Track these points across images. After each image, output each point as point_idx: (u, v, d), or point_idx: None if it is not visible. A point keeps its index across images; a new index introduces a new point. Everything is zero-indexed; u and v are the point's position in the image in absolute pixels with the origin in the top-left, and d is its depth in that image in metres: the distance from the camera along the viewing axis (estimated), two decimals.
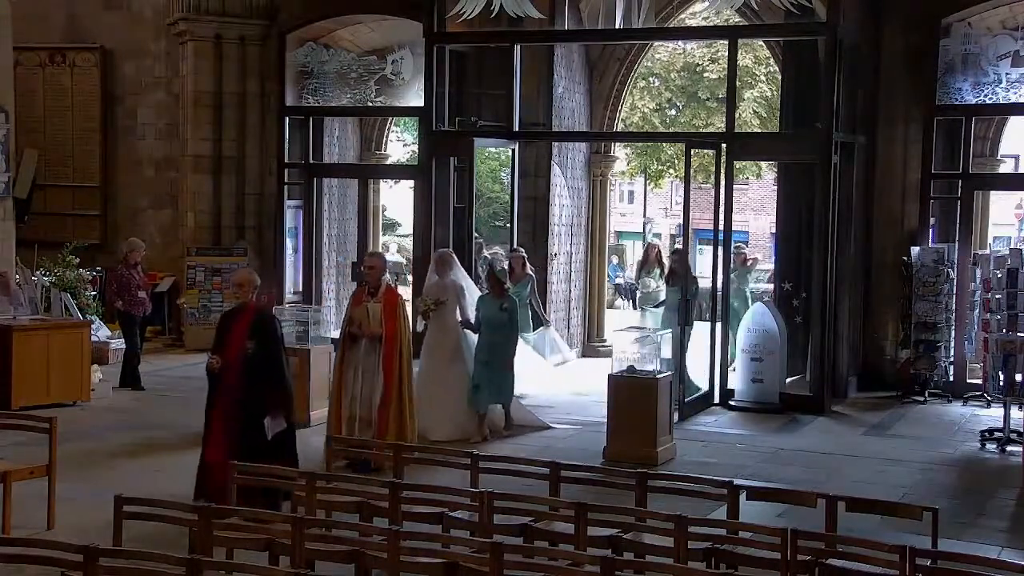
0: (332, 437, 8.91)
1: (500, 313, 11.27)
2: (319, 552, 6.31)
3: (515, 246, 14.64)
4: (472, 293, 11.72)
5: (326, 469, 8.01)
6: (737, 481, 7.23)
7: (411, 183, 19.94)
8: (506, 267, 11.92)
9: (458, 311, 11.40)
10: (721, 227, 13.39)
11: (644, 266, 16.36)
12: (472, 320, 11.41)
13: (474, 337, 11.46)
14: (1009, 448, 11.25)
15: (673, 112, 31.14)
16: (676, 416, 11.85)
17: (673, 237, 39.73)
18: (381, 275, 9.91)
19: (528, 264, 14.27)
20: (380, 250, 11.88)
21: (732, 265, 14.26)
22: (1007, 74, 13.84)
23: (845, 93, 13.28)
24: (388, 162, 20.59)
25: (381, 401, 9.69)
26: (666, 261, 15.63)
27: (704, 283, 15.08)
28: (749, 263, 16.64)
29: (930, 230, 14.30)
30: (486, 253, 15.01)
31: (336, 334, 13.29)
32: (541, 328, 14.28)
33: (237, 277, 8.60)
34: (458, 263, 11.94)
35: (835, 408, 13.16)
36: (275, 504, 7.60)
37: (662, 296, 15.20)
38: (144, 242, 14.50)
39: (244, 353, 8.11)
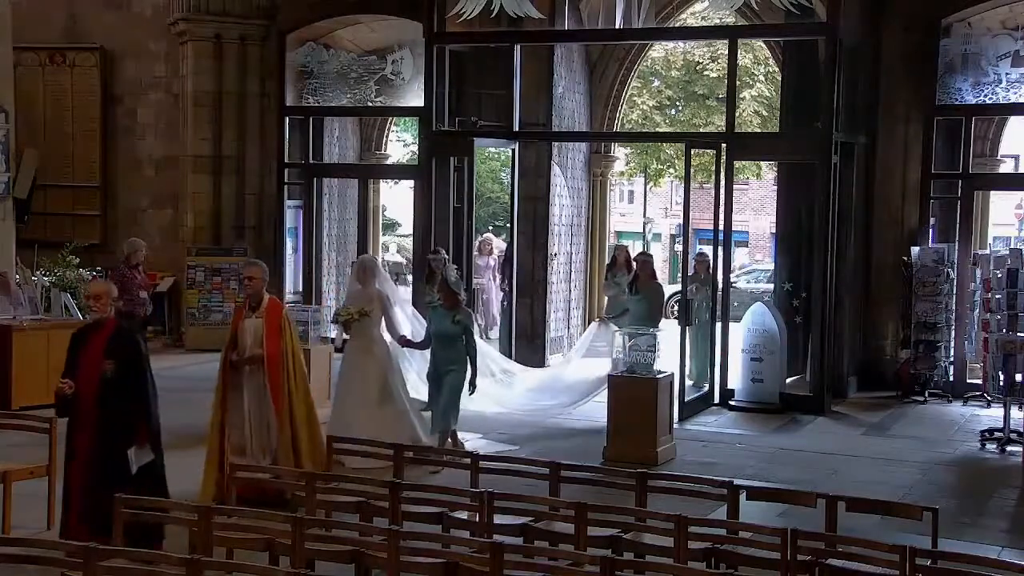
0: (233, 465, 7.97)
1: (453, 327, 10.29)
2: (319, 552, 6.31)
3: (435, 247, 14.25)
4: (398, 304, 10.86)
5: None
6: (737, 481, 7.23)
7: (411, 183, 19.96)
8: (453, 276, 10.68)
9: (384, 324, 10.41)
10: (721, 227, 13.39)
11: (612, 270, 14.74)
12: (409, 335, 10.62)
13: (403, 352, 10.66)
14: (1009, 448, 11.26)
15: (673, 111, 31.13)
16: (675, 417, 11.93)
17: (673, 237, 39.76)
18: (262, 287, 8.82)
19: (449, 264, 13.70)
20: (259, 260, 10.57)
21: (693, 273, 13.98)
22: (1007, 74, 13.84)
23: (845, 93, 13.28)
24: (388, 162, 20.60)
25: (280, 428, 8.63)
26: (634, 264, 14.23)
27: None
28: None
29: (930, 230, 14.30)
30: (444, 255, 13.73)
31: (333, 333, 13.34)
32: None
33: (94, 288, 7.49)
34: (382, 271, 11.00)
35: (835, 408, 13.16)
36: (153, 543, 6.80)
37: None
38: (144, 242, 14.49)
39: (101, 375, 7.07)
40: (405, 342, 10.58)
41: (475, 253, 17.22)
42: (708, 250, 14.04)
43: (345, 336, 10.48)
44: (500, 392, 12.14)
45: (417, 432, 10.13)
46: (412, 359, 11.19)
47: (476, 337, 11.30)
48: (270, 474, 8.13)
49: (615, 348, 11.31)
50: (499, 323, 16.09)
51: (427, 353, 10.74)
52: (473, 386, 10.41)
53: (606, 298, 14.77)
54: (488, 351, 12.47)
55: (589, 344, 13.75)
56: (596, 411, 12.01)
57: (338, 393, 10.37)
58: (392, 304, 10.49)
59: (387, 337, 10.44)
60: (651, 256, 13.93)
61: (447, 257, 13.71)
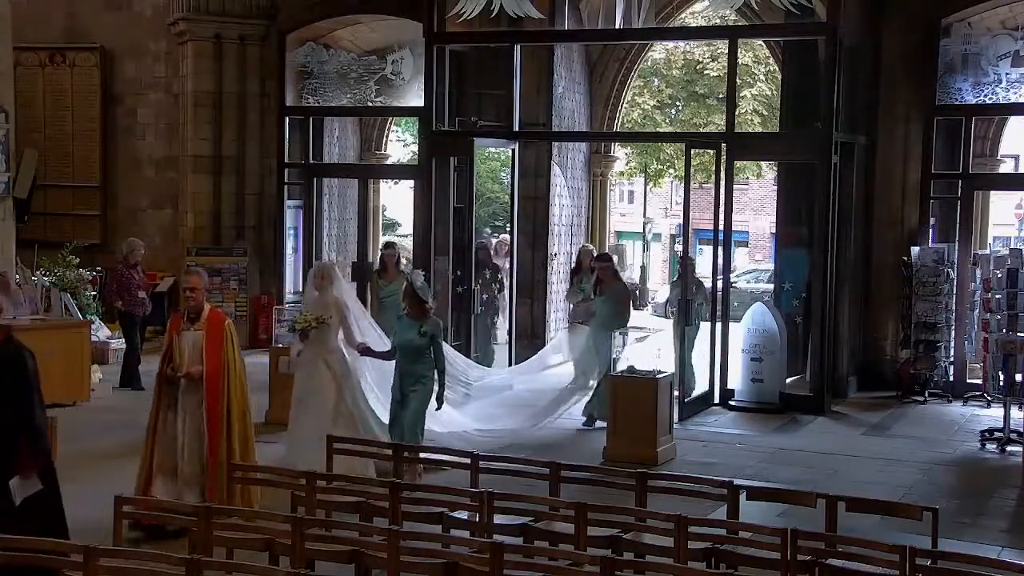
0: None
1: (419, 338, 9.37)
2: (319, 552, 6.31)
3: (387, 241, 14.21)
4: (357, 313, 10.10)
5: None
6: (737, 481, 7.23)
7: (411, 183, 19.95)
8: (419, 282, 9.78)
9: (341, 333, 9.70)
10: (721, 227, 13.39)
11: (577, 275, 13.69)
12: (369, 344, 9.83)
13: (362, 363, 9.95)
14: (1009, 448, 11.26)
15: (673, 111, 31.15)
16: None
17: (673, 237, 39.74)
18: (203, 296, 8.22)
19: (402, 262, 13.45)
20: (200, 269, 9.66)
21: (679, 277, 13.75)
22: (1007, 74, 13.84)
23: (845, 93, 13.28)
24: (388, 162, 20.60)
25: (209, 452, 7.93)
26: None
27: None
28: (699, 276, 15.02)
29: (930, 230, 14.30)
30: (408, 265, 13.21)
31: (292, 345, 12.96)
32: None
33: None
34: (340, 277, 10.25)
35: (835, 408, 13.16)
36: None
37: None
38: (144, 242, 14.50)
39: None
40: (366, 351, 9.74)
41: (492, 253, 17.22)
42: (708, 249, 13.92)
43: (301, 346, 9.70)
44: (452, 412, 10.86)
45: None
46: (369, 369, 10.25)
47: (445, 348, 11.00)
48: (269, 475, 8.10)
49: (614, 349, 11.31)
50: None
51: (385, 364, 9.91)
52: (440, 401, 9.62)
53: (571, 305, 13.75)
54: (453, 359, 11.68)
55: (560, 348, 13.04)
56: None
57: (293, 407, 9.64)
58: (351, 312, 9.81)
59: (344, 347, 9.72)
60: (611, 256, 13.19)
61: (399, 252, 13.40)
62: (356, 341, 9.73)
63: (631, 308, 13.00)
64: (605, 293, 12.40)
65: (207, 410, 7.92)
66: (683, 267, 13.78)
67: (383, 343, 9.90)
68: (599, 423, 11.84)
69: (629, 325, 12.72)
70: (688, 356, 13.17)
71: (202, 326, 8.06)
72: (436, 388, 9.57)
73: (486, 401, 12.04)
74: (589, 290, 12.84)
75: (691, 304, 13.19)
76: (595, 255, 13.59)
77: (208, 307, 8.25)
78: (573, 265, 14.10)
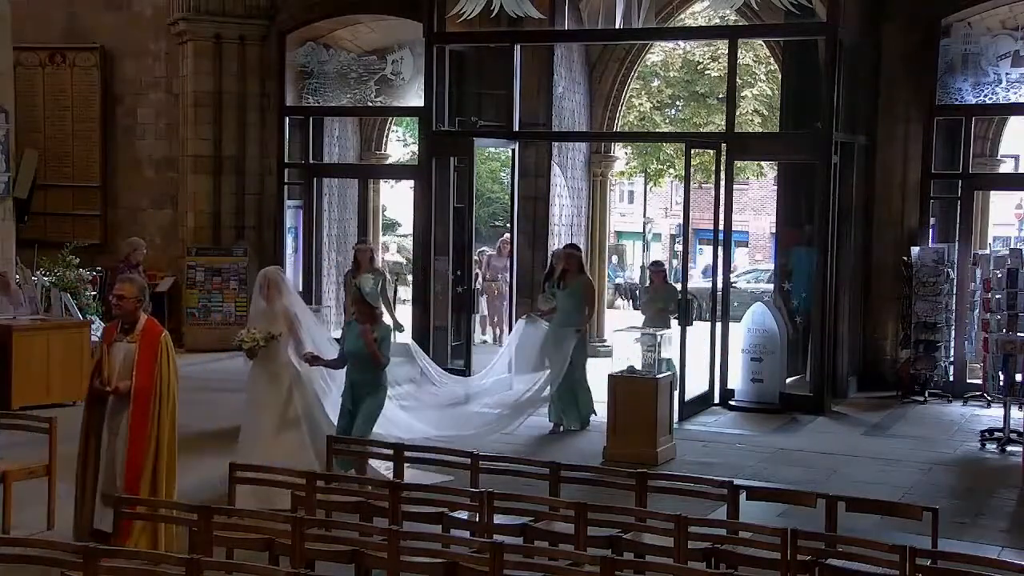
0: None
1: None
2: (319, 552, 6.31)
3: (362, 237, 13.90)
4: (309, 323, 9.47)
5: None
6: (737, 481, 7.23)
7: (411, 183, 19.94)
8: (367, 287, 9.24)
9: (292, 347, 9.08)
10: (721, 227, 13.39)
11: (549, 279, 12.76)
12: (320, 353, 9.24)
13: (314, 376, 9.36)
14: (1009, 448, 11.26)
15: (673, 111, 31.15)
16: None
17: (673, 237, 39.75)
18: (137, 305, 7.46)
19: (376, 259, 13.12)
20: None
21: (649, 284, 13.51)
22: (1007, 74, 13.84)
23: (845, 93, 13.28)
24: (388, 162, 20.59)
25: (126, 480, 7.18)
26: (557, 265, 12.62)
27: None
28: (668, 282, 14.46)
29: (930, 230, 14.30)
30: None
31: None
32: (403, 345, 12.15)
33: None
34: (289, 285, 9.58)
35: (835, 408, 13.16)
36: None
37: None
38: (144, 241, 14.50)
39: None
40: (314, 360, 9.10)
41: (492, 253, 17.24)
42: (708, 249, 13.84)
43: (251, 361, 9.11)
44: (401, 418, 10.44)
45: (315, 463, 8.65)
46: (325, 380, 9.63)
47: (423, 357, 11.00)
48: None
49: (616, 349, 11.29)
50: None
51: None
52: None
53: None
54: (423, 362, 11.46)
55: (516, 344, 12.34)
56: (596, 411, 12.00)
57: (242, 428, 9.20)
58: (301, 323, 9.17)
59: (295, 359, 9.12)
60: (578, 248, 12.60)
61: (373, 248, 13.09)
62: (304, 350, 9.09)
63: (595, 304, 12.70)
64: (570, 286, 11.93)
65: (131, 429, 7.20)
66: (650, 276, 13.70)
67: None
68: (579, 427, 11.75)
69: (637, 326, 12.67)
70: (581, 378, 12.11)
71: (136, 338, 7.36)
72: (382, 397, 9.09)
73: (449, 407, 11.57)
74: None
75: (685, 305, 13.10)
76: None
77: (144, 318, 7.51)
78: (547, 269, 13.38)
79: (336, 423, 9.07)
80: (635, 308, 13.89)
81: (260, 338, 8.84)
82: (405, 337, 13.30)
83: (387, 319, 12.49)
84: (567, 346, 11.68)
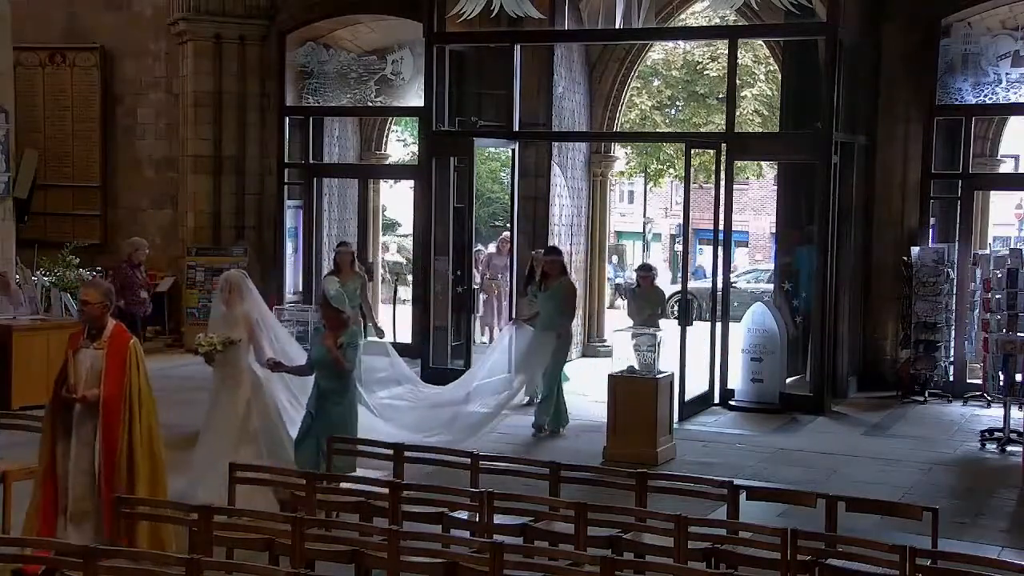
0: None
1: (336, 351, 8.52)
2: (319, 552, 6.31)
3: (344, 239, 13.68)
4: (272, 328, 9.15)
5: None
6: (737, 481, 7.23)
7: (411, 183, 19.94)
8: (332, 291, 8.89)
9: (252, 353, 8.74)
10: (721, 227, 13.39)
11: (531, 283, 12.61)
12: (287, 359, 8.94)
13: (276, 383, 9.04)
14: (1009, 448, 11.26)
15: (673, 111, 31.15)
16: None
17: (673, 237, 39.76)
18: (104, 310, 7.14)
19: (358, 262, 12.85)
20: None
21: (637, 287, 13.33)
22: (1007, 74, 13.84)
23: (845, 93, 13.28)
24: (388, 162, 20.60)
25: (101, 492, 6.93)
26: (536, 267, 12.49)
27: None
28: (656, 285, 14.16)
29: (930, 230, 14.30)
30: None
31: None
32: (373, 337, 12.14)
33: None
34: (252, 289, 9.06)
35: (835, 408, 13.17)
36: None
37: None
38: (146, 241, 14.51)
39: None
40: (276, 366, 8.75)
41: (492, 252, 17.21)
42: (708, 249, 13.81)
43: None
44: (378, 426, 10.14)
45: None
46: (283, 389, 9.28)
47: (398, 361, 10.88)
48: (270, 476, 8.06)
49: (616, 349, 11.28)
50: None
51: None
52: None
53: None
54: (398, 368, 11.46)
55: (504, 347, 12.30)
56: (596, 411, 12.01)
57: (200, 437, 8.92)
58: (263, 328, 8.86)
59: (256, 366, 8.82)
60: (560, 252, 12.47)
61: (355, 251, 12.76)
62: (265, 356, 8.74)
63: (576, 307, 12.46)
64: (551, 288, 11.87)
65: (101, 440, 6.92)
66: (637, 280, 13.51)
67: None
68: (566, 432, 11.60)
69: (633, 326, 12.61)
70: (555, 380, 11.91)
71: (103, 345, 7.06)
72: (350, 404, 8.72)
73: (421, 411, 11.52)
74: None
75: (655, 313, 13.00)
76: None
77: (112, 323, 7.19)
78: (527, 271, 13.07)
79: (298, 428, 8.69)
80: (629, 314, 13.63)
81: (217, 343, 8.55)
82: (413, 339, 13.27)
83: (371, 323, 12.44)
84: (545, 349, 11.55)
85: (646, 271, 13.88)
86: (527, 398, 12.35)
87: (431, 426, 10.95)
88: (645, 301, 13.15)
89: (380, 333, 12.43)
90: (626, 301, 14.20)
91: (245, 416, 8.64)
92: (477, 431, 11.09)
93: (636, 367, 10.99)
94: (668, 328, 12.98)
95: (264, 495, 7.92)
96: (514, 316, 12.79)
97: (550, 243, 15.77)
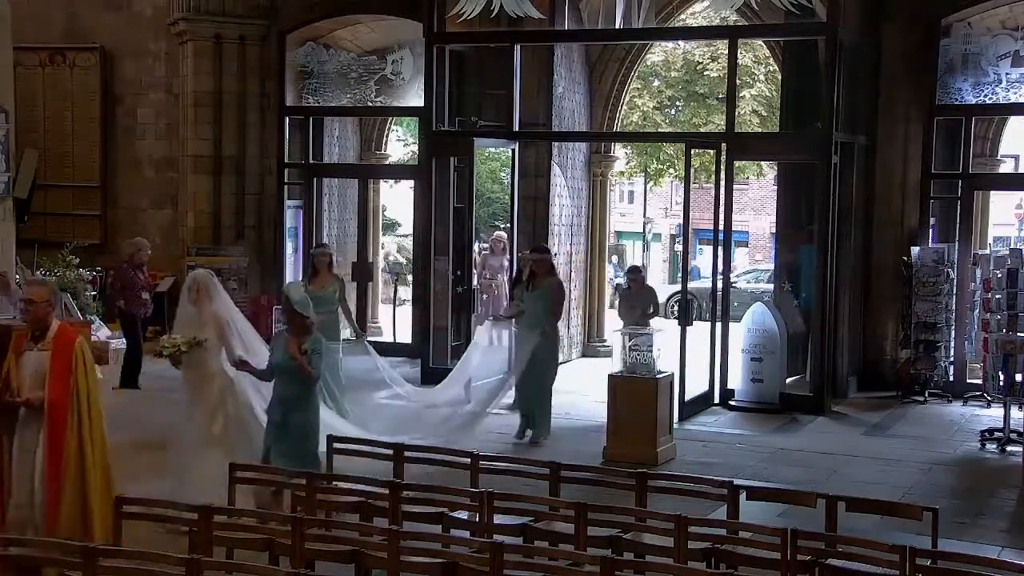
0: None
1: (300, 357, 8.10)
2: (319, 552, 6.31)
3: (321, 242, 13.50)
4: (242, 330, 8.84)
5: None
6: (737, 481, 7.23)
7: (411, 183, 19.94)
8: (296, 296, 8.34)
9: (223, 354, 8.49)
10: (721, 227, 13.39)
11: (519, 285, 12.10)
12: (249, 362, 8.48)
13: (247, 383, 8.72)
14: (1009, 448, 11.26)
15: (673, 111, 31.15)
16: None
17: (673, 237, 39.75)
18: (49, 310, 6.93)
19: (335, 265, 12.54)
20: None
21: (628, 289, 13.35)
22: (1007, 74, 13.84)
23: (845, 93, 13.28)
24: (388, 162, 20.60)
25: (47, 498, 6.73)
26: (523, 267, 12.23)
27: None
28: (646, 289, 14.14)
29: (930, 230, 14.30)
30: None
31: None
32: (352, 340, 11.94)
33: None
34: (220, 289, 8.85)
35: (835, 408, 13.17)
36: None
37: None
38: (148, 241, 14.50)
39: None
40: (244, 365, 8.41)
41: (487, 252, 17.19)
42: (708, 249, 13.79)
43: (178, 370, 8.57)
44: (349, 431, 9.67)
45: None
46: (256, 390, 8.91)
47: (377, 360, 10.72)
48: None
49: (621, 349, 11.27)
50: None
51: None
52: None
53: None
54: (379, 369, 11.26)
55: (483, 348, 11.99)
56: (596, 411, 12.01)
57: (173, 442, 8.72)
58: (233, 329, 8.61)
59: (227, 368, 8.57)
60: (547, 250, 12.10)
61: (333, 254, 12.57)
62: (235, 356, 8.46)
63: (562, 309, 12.05)
64: (538, 288, 11.53)
65: (46, 444, 6.69)
66: (627, 282, 13.52)
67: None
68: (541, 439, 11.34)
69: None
70: (543, 386, 11.61)
71: (48, 346, 6.81)
72: (314, 413, 8.31)
73: (411, 412, 11.40)
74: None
75: (645, 312, 12.97)
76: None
77: (57, 324, 6.95)
78: (515, 274, 12.76)
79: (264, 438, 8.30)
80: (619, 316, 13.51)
81: (182, 343, 8.31)
82: (413, 339, 13.12)
83: (351, 326, 12.16)
84: (527, 349, 11.30)
85: (635, 273, 13.96)
86: (513, 399, 12.09)
87: (412, 428, 10.63)
88: (636, 302, 13.15)
89: (359, 336, 12.13)
90: (619, 303, 14.10)
91: (212, 419, 8.41)
92: (465, 432, 10.97)
93: (630, 366, 10.96)
94: (668, 328, 13.00)
95: (244, 497, 7.71)
96: (491, 315, 12.51)
97: (550, 243, 15.79)
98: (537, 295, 11.55)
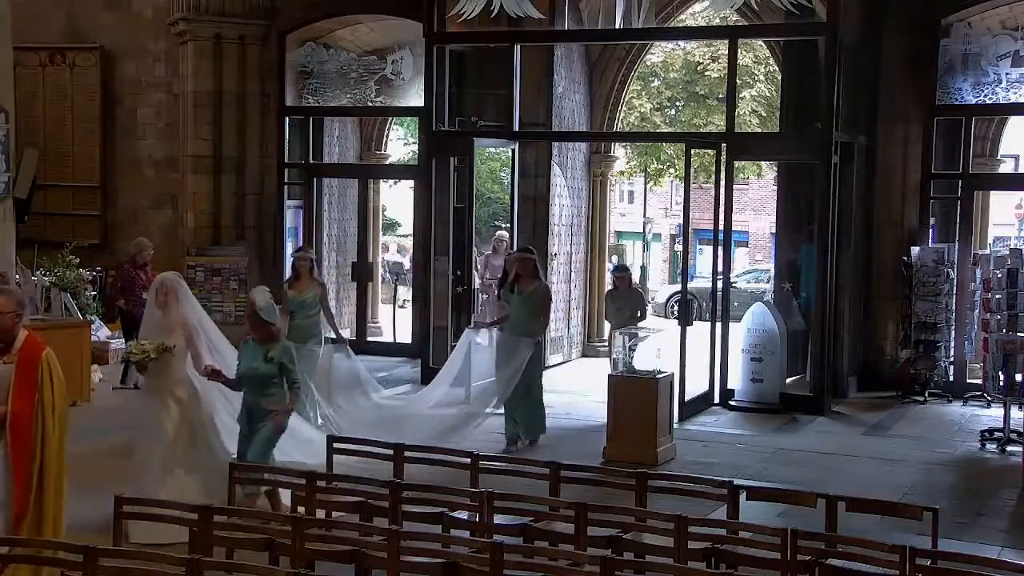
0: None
1: (265, 366, 7.94)
2: (319, 552, 6.31)
3: (302, 245, 13.03)
4: (212, 335, 8.59)
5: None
6: (737, 481, 7.23)
7: (411, 183, 19.94)
8: (262, 301, 8.07)
9: (189, 361, 8.23)
10: (721, 227, 13.39)
11: (505, 285, 11.72)
12: (221, 371, 8.23)
13: (213, 391, 8.43)
14: (1009, 448, 11.26)
15: (673, 112, 31.16)
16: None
17: (673, 237, 39.75)
18: (16, 320, 6.62)
19: (316, 269, 12.26)
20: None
21: (614, 289, 13.10)
22: (1007, 74, 13.85)
23: (845, 93, 13.28)
24: (388, 162, 20.60)
25: (15, 514, 6.38)
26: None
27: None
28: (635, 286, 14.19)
29: (930, 230, 14.31)
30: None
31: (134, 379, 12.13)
32: (333, 345, 11.63)
33: None
34: (188, 293, 8.54)
35: (835, 408, 13.17)
36: None
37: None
38: (150, 242, 14.51)
39: None
40: (213, 374, 8.14)
41: (489, 253, 17.19)
42: (708, 249, 13.76)
43: (141, 376, 8.30)
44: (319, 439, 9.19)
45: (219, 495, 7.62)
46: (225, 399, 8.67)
47: (355, 363, 10.53)
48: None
49: (615, 348, 11.27)
50: None
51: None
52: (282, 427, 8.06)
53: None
54: (358, 376, 11.07)
55: (464, 356, 11.72)
56: (596, 411, 12.01)
57: (141, 454, 8.40)
58: (201, 335, 8.32)
59: (194, 375, 8.31)
60: (532, 252, 11.67)
61: (314, 257, 12.28)
62: (203, 364, 8.19)
63: (549, 312, 11.66)
64: (523, 292, 11.15)
65: (10, 460, 6.36)
66: (613, 282, 13.19)
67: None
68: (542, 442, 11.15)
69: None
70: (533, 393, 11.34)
71: (13, 358, 6.46)
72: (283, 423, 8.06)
73: (390, 415, 11.22)
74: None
75: (634, 315, 12.77)
76: (494, 251, 12.84)
77: (24, 334, 6.64)
78: (500, 276, 12.45)
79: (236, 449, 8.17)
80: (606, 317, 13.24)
81: (151, 350, 7.98)
82: (413, 339, 13.08)
83: (333, 331, 11.70)
84: (520, 356, 10.94)
85: (621, 271, 13.49)
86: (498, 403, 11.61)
87: (391, 429, 10.24)
88: (623, 303, 12.86)
89: (341, 341, 11.81)
90: (606, 305, 13.86)
91: (178, 428, 8.11)
92: (459, 432, 10.85)
93: (625, 366, 10.96)
94: (668, 328, 12.98)
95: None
96: (472, 321, 12.08)
97: (550, 243, 15.81)
98: (522, 299, 11.17)
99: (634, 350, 11.00)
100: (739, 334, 13.45)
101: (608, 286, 15.82)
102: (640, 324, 12.68)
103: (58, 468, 6.51)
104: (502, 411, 11.26)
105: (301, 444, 9.03)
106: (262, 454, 7.96)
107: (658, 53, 27.90)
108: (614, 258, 33.52)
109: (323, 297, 11.65)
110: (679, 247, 28.56)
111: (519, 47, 14.82)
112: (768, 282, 20.04)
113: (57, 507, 6.53)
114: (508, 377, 11.06)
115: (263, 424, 7.94)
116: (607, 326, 12.83)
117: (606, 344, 16.41)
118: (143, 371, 8.17)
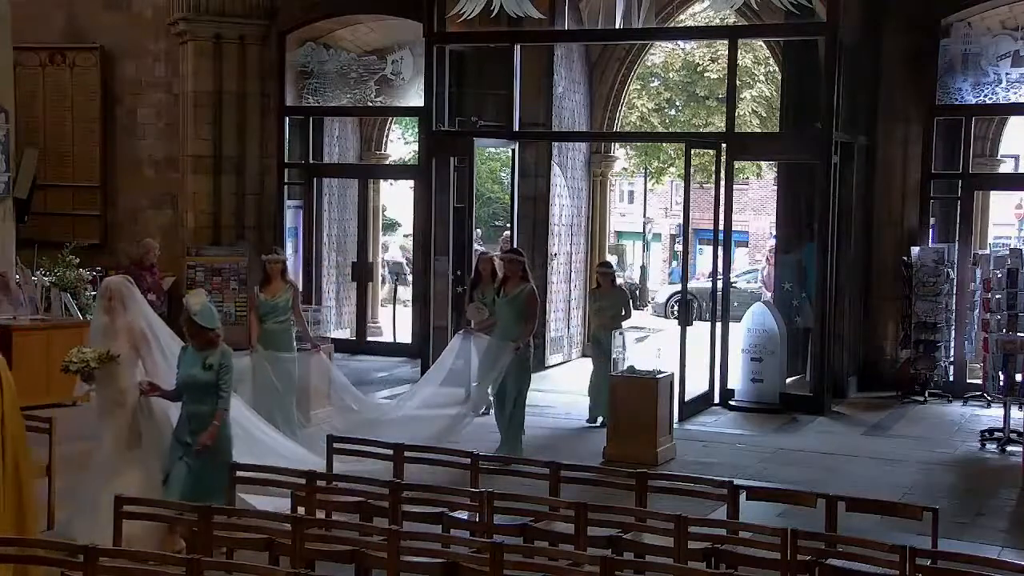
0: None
1: (204, 373, 7.46)
2: (319, 552, 6.31)
3: (274, 247, 12.74)
4: (164, 341, 8.08)
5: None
6: (737, 481, 7.23)
7: (411, 183, 19.95)
8: (195, 306, 7.76)
9: (139, 368, 7.79)
10: (721, 227, 13.39)
11: (477, 287, 11.65)
12: (158, 386, 7.73)
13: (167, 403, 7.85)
14: (1009, 448, 11.26)
15: (673, 112, 31.17)
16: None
17: (673, 237, 39.75)
18: None
19: (288, 271, 11.79)
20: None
21: (597, 287, 12.75)
22: (1007, 74, 13.85)
23: (845, 93, 13.28)
24: (388, 162, 20.61)
25: None
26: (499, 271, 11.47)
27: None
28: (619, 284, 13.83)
29: (930, 230, 14.31)
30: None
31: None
32: (307, 353, 11.17)
33: None
34: (137, 298, 8.07)
35: (835, 408, 13.17)
36: None
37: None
38: (156, 243, 14.51)
39: None
40: (152, 390, 7.67)
41: (498, 254, 17.16)
42: (708, 249, 13.73)
43: (88, 388, 7.88)
44: (288, 448, 9.01)
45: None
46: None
47: (335, 374, 10.31)
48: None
49: (615, 348, 11.27)
50: None
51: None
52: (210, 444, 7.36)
53: (472, 322, 11.54)
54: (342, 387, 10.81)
55: (451, 363, 11.40)
56: None
57: (91, 463, 7.96)
58: (150, 342, 7.86)
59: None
60: (520, 253, 11.42)
61: (286, 259, 11.86)
62: (146, 380, 7.74)
63: (536, 316, 11.16)
64: (510, 294, 10.79)
65: None
66: (596, 279, 12.92)
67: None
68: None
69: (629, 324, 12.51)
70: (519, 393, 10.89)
71: None
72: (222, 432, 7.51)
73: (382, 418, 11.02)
74: (491, 303, 11.17)
75: (617, 318, 12.45)
76: (502, 251, 12.33)
77: None
78: (472, 276, 12.23)
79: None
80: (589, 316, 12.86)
81: (92, 359, 7.47)
82: (413, 339, 13.01)
83: (304, 336, 11.23)
84: (502, 362, 10.55)
85: (605, 268, 12.99)
86: (484, 408, 11.57)
87: (389, 428, 10.06)
88: (605, 302, 12.45)
89: (315, 347, 11.33)
90: (589, 304, 13.58)
91: (128, 441, 7.63)
92: (452, 433, 10.62)
93: (636, 367, 10.97)
94: (668, 328, 12.96)
95: (158, 530, 7.04)
96: (463, 326, 11.71)
97: (550, 243, 15.81)
98: (508, 301, 10.82)
99: (622, 349, 10.89)
100: (739, 334, 13.45)
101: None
102: (624, 324, 12.26)
103: (15, 480, 6.25)
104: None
105: (279, 453, 8.61)
106: (207, 481, 7.31)
107: (658, 53, 27.91)
108: (614, 258, 33.58)
109: (295, 301, 11.09)
110: (679, 247, 28.58)
111: (519, 47, 14.82)
112: (758, 282, 20.07)
113: (21, 517, 6.26)
114: (489, 381, 10.81)
115: (198, 437, 7.36)
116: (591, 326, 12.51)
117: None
118: (88, 382, 7.71)
